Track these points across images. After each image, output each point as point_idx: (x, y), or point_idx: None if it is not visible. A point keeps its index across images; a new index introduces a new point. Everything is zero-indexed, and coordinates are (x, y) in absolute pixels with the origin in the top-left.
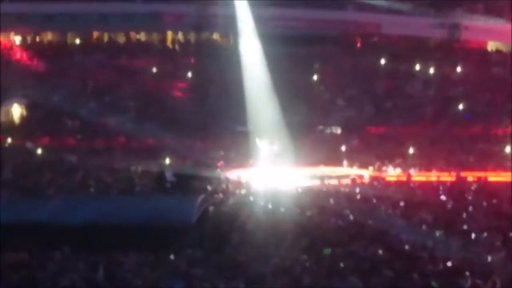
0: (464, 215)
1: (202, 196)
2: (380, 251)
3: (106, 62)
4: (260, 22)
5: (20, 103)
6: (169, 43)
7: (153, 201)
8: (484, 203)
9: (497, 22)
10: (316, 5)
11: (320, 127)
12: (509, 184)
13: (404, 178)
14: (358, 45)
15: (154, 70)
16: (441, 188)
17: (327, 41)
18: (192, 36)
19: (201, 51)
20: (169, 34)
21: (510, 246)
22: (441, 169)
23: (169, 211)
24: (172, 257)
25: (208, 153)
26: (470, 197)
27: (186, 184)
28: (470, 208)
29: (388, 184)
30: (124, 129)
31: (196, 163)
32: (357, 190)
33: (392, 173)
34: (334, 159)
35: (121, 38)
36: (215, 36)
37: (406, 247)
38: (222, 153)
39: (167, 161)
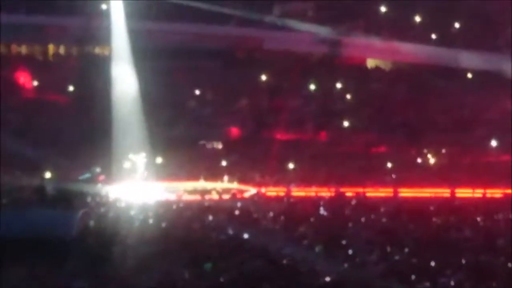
0: (344, 230)
1: (82, 210)
2: (260, 266)
3: None
4: (143, 35)
5: None
6: (50, 56)
7: (33, 215)
8: (363, 219)
9: (377, 39)
10: (198, 19)
11: (202, 142)
12: (387, 199)
13: (284, 193)
14: (240, 59)
15: (36, 83)
16: (321, 203)
17: (209, 55)
18: (74, 49)
19: (83, 64)
20: (51, 47)
21: (389, 261)
22: (321, 185)
23: (49, 225)
24: (52, 270)
25: (90, 167)
26: (349, 212)
27: (67, 198)
28: (349, 223)
29: (269, 199)
30: (4, 142)
31: (77, 177)
32: (238, 204)
33: (273, 188)
34: (215, 174)
35: (1, 50)
36: (98, 49)
37: (286, 261)
38: (103, 167)
39: (48, 175)
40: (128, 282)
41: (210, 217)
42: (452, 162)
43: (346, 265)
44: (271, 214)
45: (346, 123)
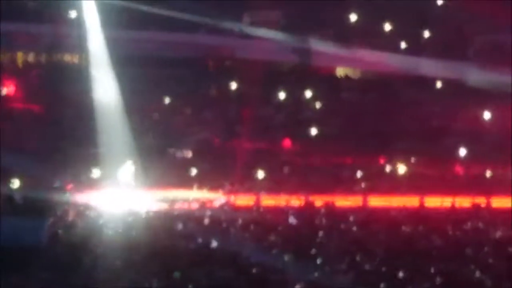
0: (313, 238)
1: (51, 219)
2: (230, 274)
3: None
4: (114, 43)
5: None
6: (19, 64)
7: (2, 224)
8: (333, 227)
9: (348, 48)
10: (169, 28)
11: (171, 150)
12: (356, 208)
13: (254, 202)
14: (211, 68)
15: (4, 91)
16: (291, 212)
17: (180, 63)
18: (43, 57)
19: (53, 72)
20: (20, 54)
21: (357, 269)
22: (291, 193)
23: (18, 233)
24: (21, 280)
25: (59, 175)
26: (318, 221)
27: (36, 206)
28: (319, 232)
29: (238, 208)
30: None
31: (46, 186)
32: (207, 213)
33: (243, 197)
34: (185, 183)
35: None
36: (67, 57)
37: (256, 270)
38: (73, 175)
39: (16, 183)
40: None
41: (179, 226)
42: (422, 171)
43: (316, 274)
44: (240, 223)
45: (317, 132)
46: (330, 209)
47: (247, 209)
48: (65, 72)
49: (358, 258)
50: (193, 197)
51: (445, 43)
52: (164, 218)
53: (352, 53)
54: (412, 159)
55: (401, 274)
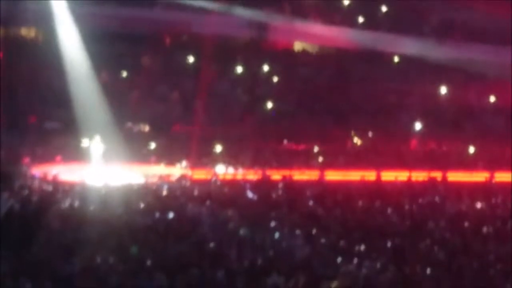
0: (270, 213)
1: (6, 193)
2: (187, 249)
3: None
4: (71, 19)
5: None
6: None
7: None
8: (290, 202)
9: (304, 23)
10: (125, 3)
11: (129, 124)
12: (314, 182)
13: (211, 177)
14: (168, 43)
15: None
16: (248, 186)
17: (137, 39)
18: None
19: (9, 46)
20: None
21: (314, 244)
22: (248, 168)
23: None
24: None
25: (15, 149)
26: (276, 196)
27: None
28: (276, 207)
29: (196, 182)
30: None
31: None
32: (165, 188)
33: (200, 171)
34: (142, 157)
35: None
36: (23, 31)
37: (213, 245)
38: (29, 149)
39: None
40: (52, 267)
41: (136, 201)
42: (378, 146)
43: (272, 248)
44: (197, 197)
45: (273, 107)
46: (288, 183)
47: (204, 183)
48: (20, 46)
49: (314, 232)
50: (149, 171)
51: (401, 19)
52: (121, 193)
53: (310, 28)
54: (369, 134)
55: (357, 248)
